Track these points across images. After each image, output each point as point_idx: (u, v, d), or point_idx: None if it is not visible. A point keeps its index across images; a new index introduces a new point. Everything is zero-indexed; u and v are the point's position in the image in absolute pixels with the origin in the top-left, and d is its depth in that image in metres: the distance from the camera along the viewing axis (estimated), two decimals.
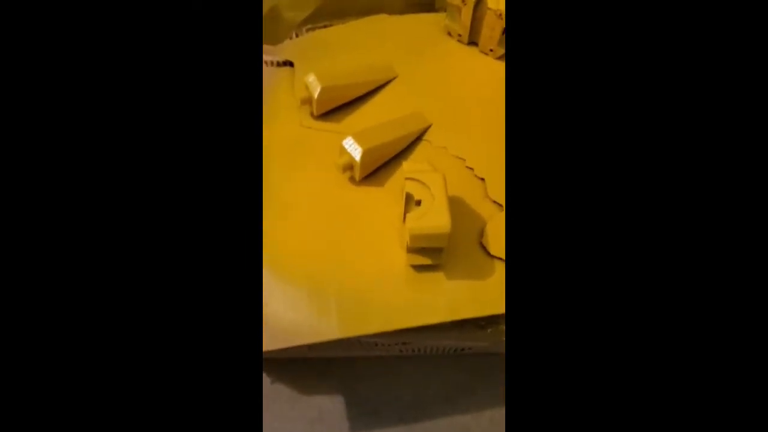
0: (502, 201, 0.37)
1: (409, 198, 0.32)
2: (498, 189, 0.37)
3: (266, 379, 0.45)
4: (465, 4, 0.42)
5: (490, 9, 0.41)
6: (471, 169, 0.39)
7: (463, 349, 0.43)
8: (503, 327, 0.34)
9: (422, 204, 0.31)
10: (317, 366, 0.46)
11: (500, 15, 0.40)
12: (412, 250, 0.33)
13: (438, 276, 0.34)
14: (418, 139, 0.41)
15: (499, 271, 0.34)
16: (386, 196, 0.38)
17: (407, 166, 0.34)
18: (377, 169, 0.39)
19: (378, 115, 0.42)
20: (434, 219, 0.30)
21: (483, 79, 0.44)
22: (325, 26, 0.48)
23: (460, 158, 0.39)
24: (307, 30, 0.48)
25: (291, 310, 0.33)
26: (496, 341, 0.36)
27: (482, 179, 0.38)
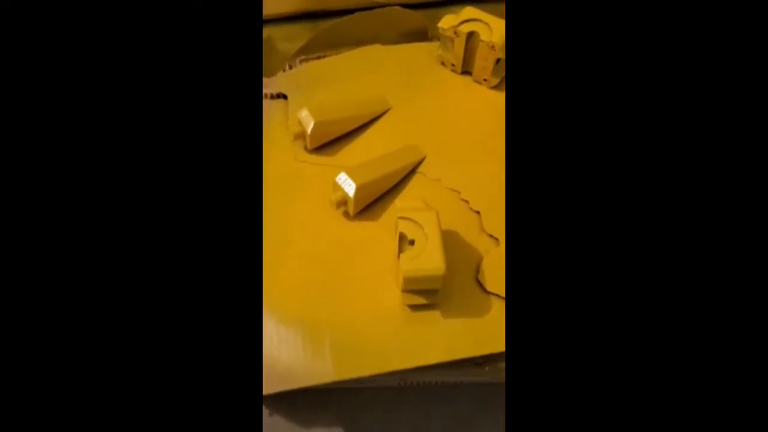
0: (499, 235, 0.37)
1: (402, 238, 0.31)
2: (494, 222, 0.37)
3: (264, 411, 0.45)
4: (457, 36, 0.42)
5: (482, 41, 0.41)
6: (466, 201, 0.38)
7: (462, 382, 0.43)
8: (501, 365, 0.34)
9: (416, 244, 0.31)
10: (316, 397, 0.45)
11: (492, 46, 0.40)
12: (407, 290, 0.32)
13: (434, 315, 0.33)
14: (413, 171, 0.40)
15: (496, 307, 0.34)
16: (381, 231, 0.37)
17: (400, 203, 0.33)
18: (372, 203, 0.39)
19: (372, 148, 0.42)
20: (428, 260, 0.30)
21: (477, 109, 0.44)
22: (318, 57, 0.48)
23: (455, 191, 0.39)
24: (301, 61, 0.48)
25: (285, 352, 0.33)
26: (495, 377, 0.36)
27: (477, 212, 0.38)
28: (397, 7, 0.48)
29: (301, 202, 0.39)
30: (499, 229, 0.37)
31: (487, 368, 0.34)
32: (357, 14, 0.48)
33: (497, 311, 0.34)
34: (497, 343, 0.33)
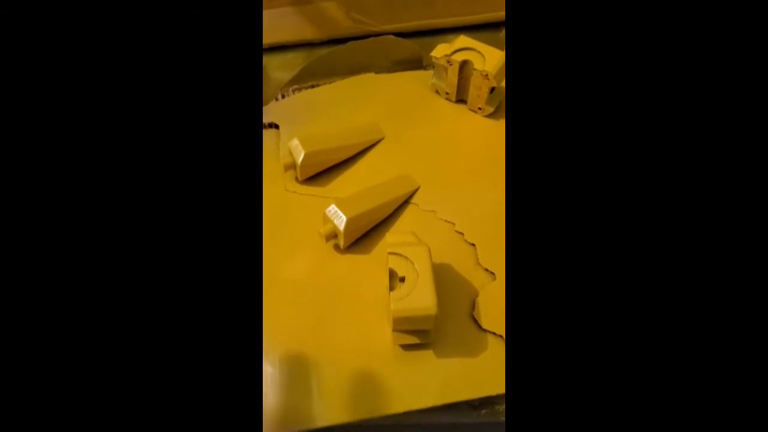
0: (494, 269, 0.35)
1: (392, 275, 0.30)
2: (490, 255, 0.36)
3: None
4: (450, 65, 0.41)
5: (476, 70, 0.40)
6: (461, 234, 0.37)
7: (461, 423, 0.41)
8: (499, 407, 0.32)
9: (406, 282, 0.29)
10: None
11: (486, 75, 0.40)
12: (398, 330, 0.31)
13: (427, 355, 0.32)
14: (406, 202, 0.39)
15: (493, 346, 0.32)
16: (373, 265, 0.36)
17: (390, 238, 0.32)
18: (363, 235, 0.37)
19: (365, 177, 0.41)
20: (418, 300, 0.28)
21: (472, 138, 0.43)
22: (312, 86, 0.48)
23: (450, 222, 0.38)
24: (294, 90, 0.48)
25: (270, 394, 0.31)
26: (493, 420, 0.34)
27: (473, 245, 0.37)
28: (391, 36, 0.48)
29: (290, 234, 0.38)
30: (496, 263, 0.35)
31: (484, 411, 0.32)
32: (350, 43, 0.48)
33: (494, 350, 0.32)
34: (494, 385, 0.31)
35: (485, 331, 0.33)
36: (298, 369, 0.32)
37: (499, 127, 0.43)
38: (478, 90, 0.42)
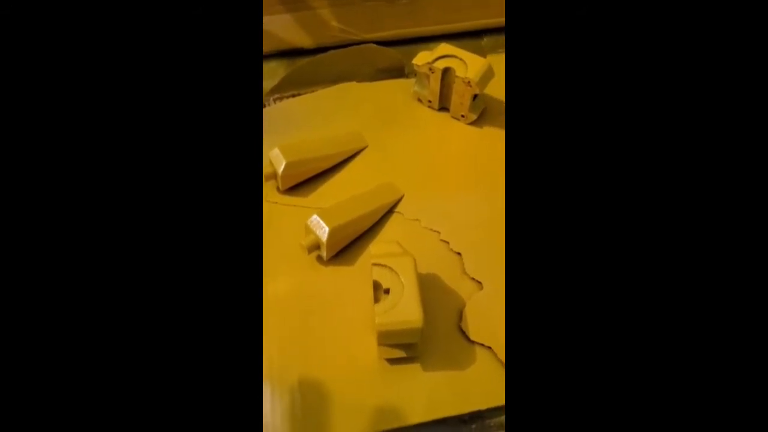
0: (481, 277, 0.34)
1: (377, 286, 0.29)
2: (476, 264, 0.35)
3: None
4: (432, 72, 0.41)
5: (458, 77, 0.40)
6: (446, 242, 0.36)
7: None
8: (490, 422, 0.31)
9: (391, 293, 0.28)
10: None
11: (468, 82, 0.39)
12: (383, 344, 0.30)
13: (414, 368, 0.31)
14: (390, 211, 0.39)
15: (482, 358, 0.31)
16: (357, 276, 0.35)
17: (374, 248, 0.31)
18: (347, 246, 0.36)
19: (348, 187, 0.40)
20: (404, 312, 0.27)
21: (456, 146, 0.42)
22: (293, 95, 0.47)
23: (435, 231, 0.37)
24: (275, 100, 0.47)
25: None
26: None
27: (458, 254, 0.36)
28: (372, 45, 0.48)
29: (273, 246, 0.37)
30: (482, 272, 0.35)
31: (474, 426, 0.31)
32: (332, 52, 0.48)
33: (483, 362, 0.31)
34: (484, 399, 0.30)
35: (473, 342, 0.32)
36: (279, 386, 0.31)
37: (482, 134, 0.43)
38: (460, 97, 0.41)
